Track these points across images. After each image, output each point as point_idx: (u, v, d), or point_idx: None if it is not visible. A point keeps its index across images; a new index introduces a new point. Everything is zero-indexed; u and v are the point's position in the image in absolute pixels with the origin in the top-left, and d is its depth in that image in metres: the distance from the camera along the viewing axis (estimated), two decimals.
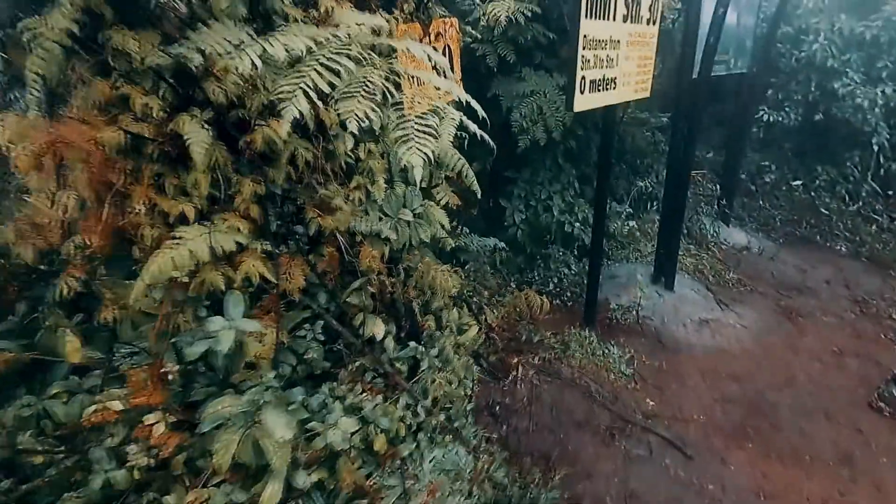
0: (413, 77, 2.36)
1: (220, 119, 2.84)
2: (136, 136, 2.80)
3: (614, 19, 4.11)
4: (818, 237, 7.86)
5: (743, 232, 7.84)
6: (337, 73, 2.14)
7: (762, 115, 9.05)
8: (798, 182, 9.21)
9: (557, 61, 5.98)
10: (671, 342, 5.05)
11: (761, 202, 8.78)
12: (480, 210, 6.94)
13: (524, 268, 6.31)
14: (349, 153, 3.35)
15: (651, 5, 4.68)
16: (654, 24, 4.83)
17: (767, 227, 8.19)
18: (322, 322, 3.33)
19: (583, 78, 4.01)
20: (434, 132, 2.14)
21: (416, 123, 2.13)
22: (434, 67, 3.40)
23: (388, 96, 2.23)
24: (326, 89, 2.10)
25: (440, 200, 3.97)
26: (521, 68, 6.11)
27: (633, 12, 4.41)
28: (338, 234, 3.18)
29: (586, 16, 3.76)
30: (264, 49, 2.21)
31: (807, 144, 9.61)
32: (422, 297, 3.71)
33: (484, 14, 5.55)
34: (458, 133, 2.63)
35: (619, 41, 4.29)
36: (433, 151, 2.06)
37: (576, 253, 6.32)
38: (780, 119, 9.14)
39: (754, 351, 5.10)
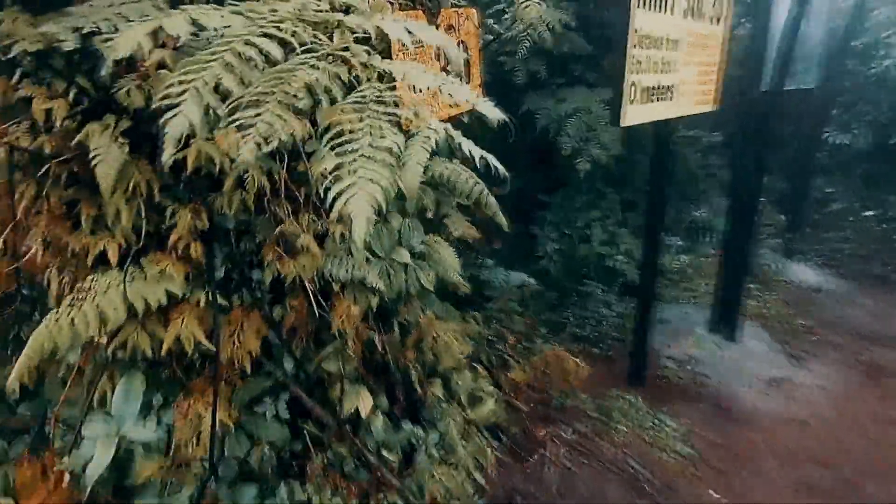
0: (402, 74, 1.60)
1: (142, 129, 2.11)
2: (33, 153, 2.09)
3: (673, 13, 3.28)
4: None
5: (809, 268, 6.83)
6: (257, 64, 1.38)
7: (827, 137, 8.04)
8: (870, 213, 8.13)
9: (597, 74, 5.17)
10: (736, 409, 4.13)
11: (828, 234, 7.73)
12: (507, 238, 6.13)
13: (557, 306, 5.46)
14: (328, 174, 2.60)
15: (718, 0, 3.84)
16: (719, 23, 3.98)
17: (836, 262, 7.14)
18: (287, 395, 2.56)
19: (633, 84, 3.18)
20: (392, 159, 1.35)
21: (362, 145, 1.34)
22: (441, 64, 2.63)
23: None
24: (235, 88, 1.34)
25: (451, 234, 3.17)
26: (556, 82, 5.32)
27: (695, 6, 3.58)
28: (307, 283, 2.41)
29: (639, 5, 2.94)
30: (160, 27, 1.48)
31: (879, 171, 8.54)
32: (423, 358, 2.91)
33: (518, 20, 4.77)
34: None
35: (677, 41, 3.46)
36: (386, 195, 1.27)
37: (618, 291, 5.44)
38: (848, 142, 8.12)
39: (837, 422, 4.14)
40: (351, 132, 1.36)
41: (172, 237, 2.28)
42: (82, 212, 2.24)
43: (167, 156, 1.29)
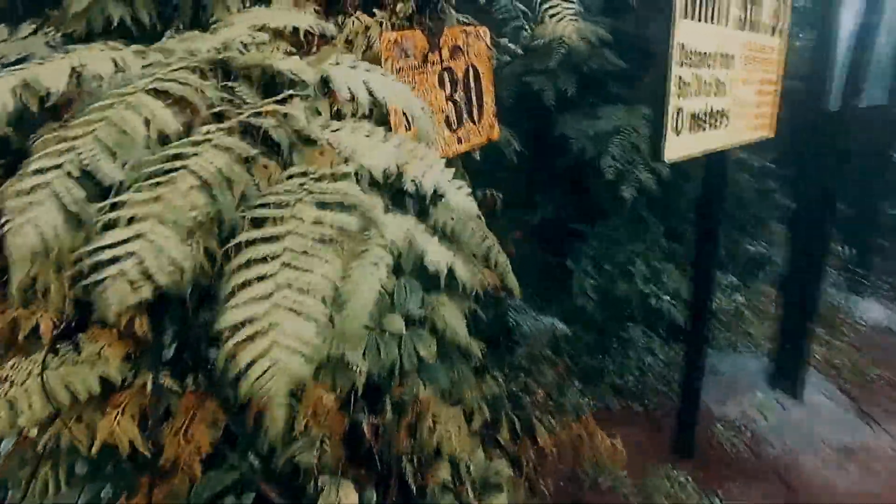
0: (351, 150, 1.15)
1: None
2: None
3: (726, 23, 2.76)
4: None
5: (881, 306, 6.06)
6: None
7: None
8: None
9: (637, 92, 4.65)
10: (805, 487, 3.50)
11: None
12: (541, 272, 5.62)
13: (594, 350, 4.92)
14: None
15: (777, 8, 3.29)
16: (777, 34, 3.42)
17: None
18: (254, 492, 2.13)
19: (679, 110, 2.67)
20: (320, 307, 0.91)
21: (279, 285, 0.90)
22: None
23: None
24: (114, 175, 0.93)
25: (461, 286, 2.70)
26: (589, 101, 4.82)
27: (751, 15, 3.04)
28: None
29: (684, 14, 2.44)
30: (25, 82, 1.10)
31: None
32: (420, 442, 2.44)
33: (541, 37, 4.30)
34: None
35: (732, 56, 2.92)
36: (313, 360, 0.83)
37: (663, 336, 4.85)
38: None
39: None
40: (265, 260, 0.91)
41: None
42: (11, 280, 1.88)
43: (15, 286, 0.89)
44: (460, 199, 1.12)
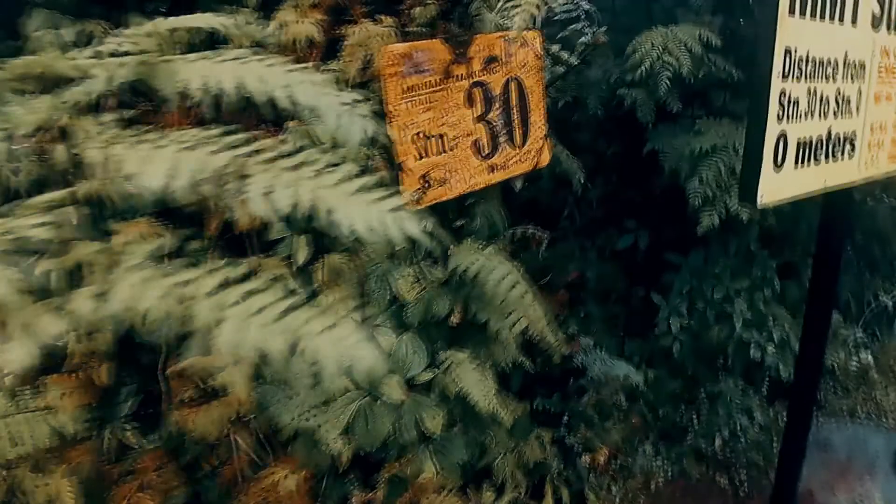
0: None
1: None
2: None
3: (854, 21, 2.12)
4: None
5: None
6: None
7: None
8: None
9: (745, 103, 3.96)
10: None
11: None
12: (622, 305, 5.01)
13: (678, 401, 4.27)
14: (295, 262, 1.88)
15: None
16: None
17: None
18: None
19: (781, 136, 2.08)
20: None
21: None
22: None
23: None
24: None
25: (494, 334, 2.28)
26: (693, 115, 4.17)
27: (891, 12, 2.36)
28: (233, 436, 1.70)
29: (791, 9, 1.86)
30: None
31: None
32: None
33: (635, 53, 3.76)
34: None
35: (863, 65, 2.27)
36: None
37: (764, 393, 4.11)
38: None
39: None
40: None
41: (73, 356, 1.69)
42: None
43: None
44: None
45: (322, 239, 1.93)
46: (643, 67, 3.81)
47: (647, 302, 4.81)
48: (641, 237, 4.90)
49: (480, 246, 2.05)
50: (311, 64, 1.88)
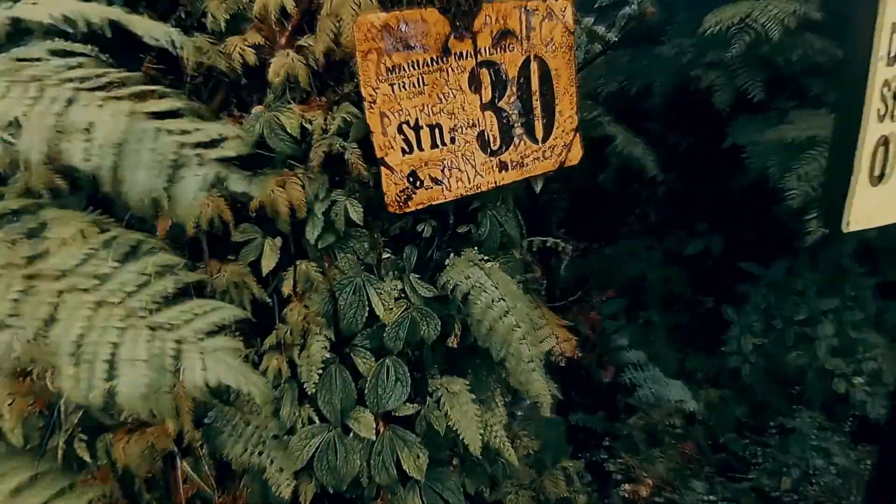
0: None
1: None
2: None
3: None
4: None
5: None
6: None
7: None
8: None
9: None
10: None
11: None
12: (688, 317, 4.49)
13: (742, 430, 3.78)
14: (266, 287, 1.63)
15: None
16: None
17: None
18: None
19: (882, 142, 1.61)
20: None
21: None
22: None
23: None
24: None
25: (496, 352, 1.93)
26: (782, 107, 3.58)
27: None
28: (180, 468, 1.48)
29: None
30: None
31: None
32: None
33: (717, 24, 3.24)
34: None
35: None
36: None
37: (847, 433, 3.54)
38: None
39: None
40: None
41: None
42: None
43: None
44: None
45: (294, 243, 1.67)
46: (732, 50, 3.28)
47: (716, 314, 4.28)
48: (714, 242, 4.36)
49: (484, 259, 1.72)
50: (282, 41, 1.60)
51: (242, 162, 0.96)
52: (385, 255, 1.71)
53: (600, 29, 2.49)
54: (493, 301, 1.59)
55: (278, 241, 1.68)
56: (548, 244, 1.97)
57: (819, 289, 3.84)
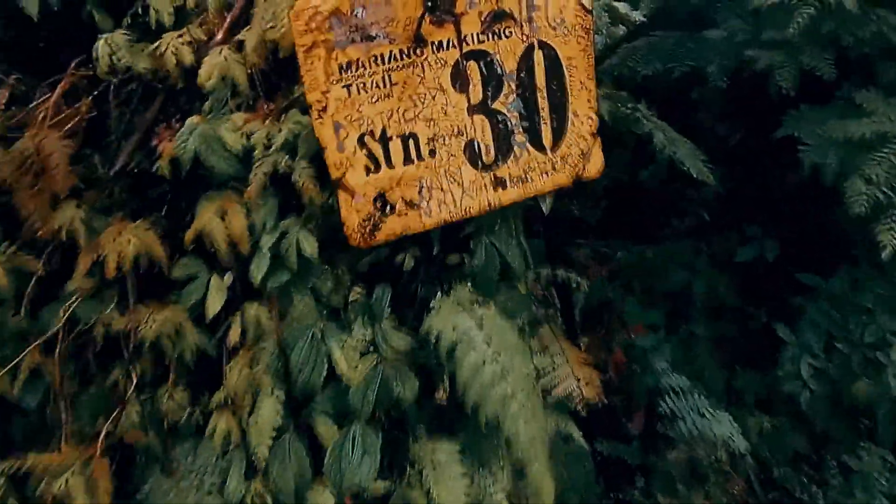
0: None
1: None
2: None
3: None
4: None
5: None
6: None
7: None
8: None
9: None
10: None
11: None
12: (736, 333, 4.04)
13: (799, 465, 3.35)
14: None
15: None
16: None
17: None
18: None
19: None
20: None
21: None
22: None
23: None
24: None
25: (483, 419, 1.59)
26: (848, 93, 3.09)
27: None
28: None
29: None
30: None
31: None
32: None
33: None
34: None
35: None
36: None
37: None
38: None
39: None
40: None
41: None
42: None
43: None
44: None
45: (243, 280, 1.36)
46: (793, 26, 2.81)
47: (769, 329, 3.82)
48: (768, 248, 3.89)
49: (477, 300, 1.38)
50: (220, 35, 1.29)
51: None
52: (354, 296, 1.38)
53: (622, 5, 2.04)
54: (483, 362, 1.24)
55: (228, 277, 1.38)
56: (558, 279, 1.61)
57: (892, 307, 3.35)
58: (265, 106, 1.33)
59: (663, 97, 3.67)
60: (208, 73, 1.23)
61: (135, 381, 1.37)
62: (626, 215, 4.99)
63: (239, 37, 1.25)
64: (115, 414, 1.35)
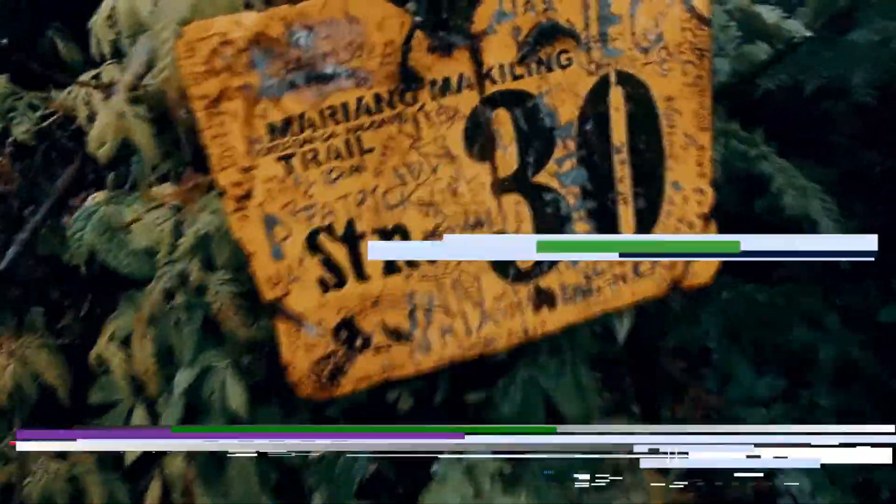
0: None
1: None
2: None
3: None
4: None
5: None
6: None
7: None
8: None
9: None
10: None
11: None
12: (873, 399, 3.23)
13: None
14: None
15: None
16: None
17: None
18: None
19: None
20: None
21: None
22: None
23: None
24: None
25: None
26: None
27: None
28: None
29: None
30: None
31: None
32: None
33: None
34: None
35: None
36: None
37: None
38: None
39: None
40: None
41: None
42: None
43: None
44: None
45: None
46: None
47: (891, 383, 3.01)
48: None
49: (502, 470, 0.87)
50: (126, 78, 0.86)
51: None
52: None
53: (769, 10, 1.35)
54: None
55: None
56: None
57: None
58: (197, 176, 0.90)
59: (788, 117, 2.97)
60: (100, 137, 0.81)
61: None
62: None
63: (147, 81, 0.83)
64: None
